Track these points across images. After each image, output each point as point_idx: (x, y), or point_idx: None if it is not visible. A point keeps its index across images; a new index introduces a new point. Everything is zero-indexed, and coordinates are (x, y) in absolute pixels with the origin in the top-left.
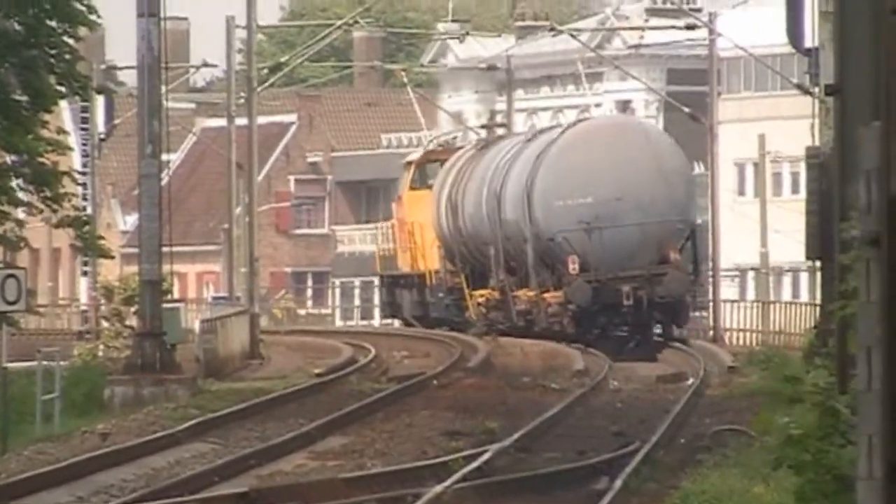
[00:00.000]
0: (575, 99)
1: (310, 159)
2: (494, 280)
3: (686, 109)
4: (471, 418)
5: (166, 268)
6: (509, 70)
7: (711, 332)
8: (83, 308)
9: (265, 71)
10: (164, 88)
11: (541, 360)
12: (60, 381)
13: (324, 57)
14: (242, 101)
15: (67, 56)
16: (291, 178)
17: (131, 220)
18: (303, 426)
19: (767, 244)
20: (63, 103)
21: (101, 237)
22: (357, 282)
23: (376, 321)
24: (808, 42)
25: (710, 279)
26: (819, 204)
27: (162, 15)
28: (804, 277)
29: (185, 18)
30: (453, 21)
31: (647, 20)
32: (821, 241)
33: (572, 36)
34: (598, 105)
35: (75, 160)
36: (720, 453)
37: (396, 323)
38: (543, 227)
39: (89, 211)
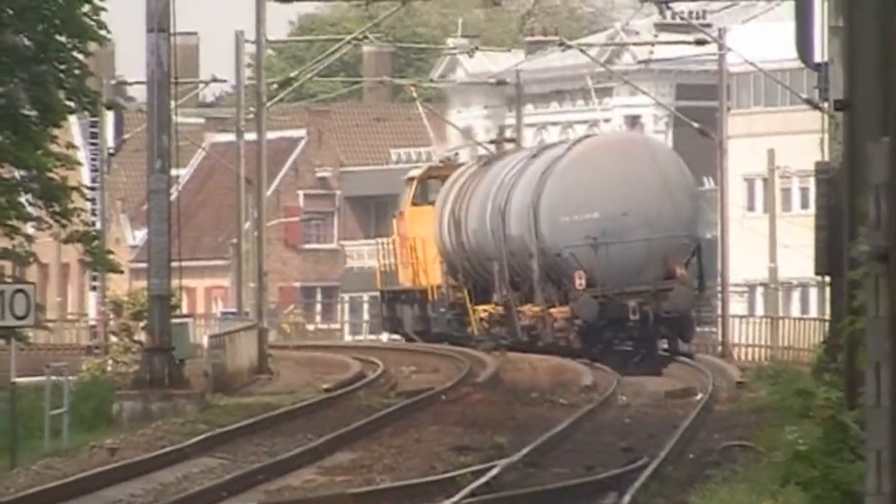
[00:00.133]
0: (584, 114)
1: (319, 174)
2: (498, 295)
3: (695, 124)
4: (479, 433)
5: (175, 283)
6: (519, 85)
7: (720, 348)
8: (92, 323)
9: (274, 86)
10: (173, 103)
11: (549, 376)
12: (69, 395)
13: (333, 72)
14: (252, 115)
15: (77, 71)
16: (300, 192)
17: (140, 235)
18: (311, 441)
19: (776, 259)
20: (72, 118)
21: (110, 252)
22: (366, 297)
23: (385, 336)
24: (818, 57)
25: (719, 294)
26: (828, 219)
27: (171, 30)
28: (813, 293)
29: (195, 33)
30: (463, 36)
31: (656, 35)
32: (830, 257)
33: (582, 51)
34: (607, 120)
35: (84, 175)
36: (729, 469)
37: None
38: (550, 243)
39: (98, 226)
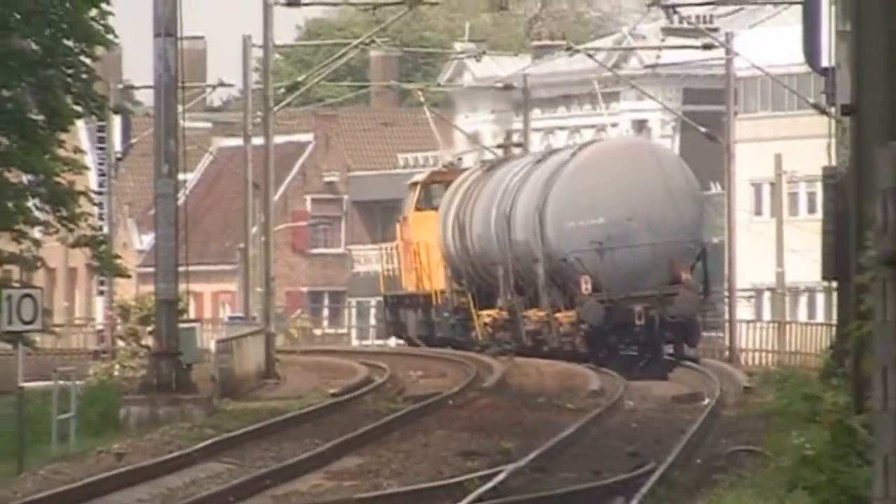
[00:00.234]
0: (591, 118)
1: (326, 179)
2: (502, 300)
3: (702, 129)
4: (486, 438)
5: (182, 287)
6: (526, 89)
7: (727, 352)
8: (99, 327)
9: (282, 90)
10: (180, 108)
11: (556, 380)
12: (76, 400)
13: (340, 76)
14: (259, 120)
15: (84, 75)
16: (308, 197)
17: (147, 240)
18: (318, 446)
19: (784, 264)
20: (80, 123)
21: (118, 256)
22: (373, 301)
23: (392, 341)
24: (825, 61)
25: (726, 299)
26: (835, 224)
27: (179, 34)
28: (820, 298)
29: (202, 38)
30: (470, 40)
31: (663, 40)
32: (837, 262)
33: (589, 55)
34: (614, 125)
35: (92, 180)
36: (736, 474)
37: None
38: (556, 248)
39: (105, 230)
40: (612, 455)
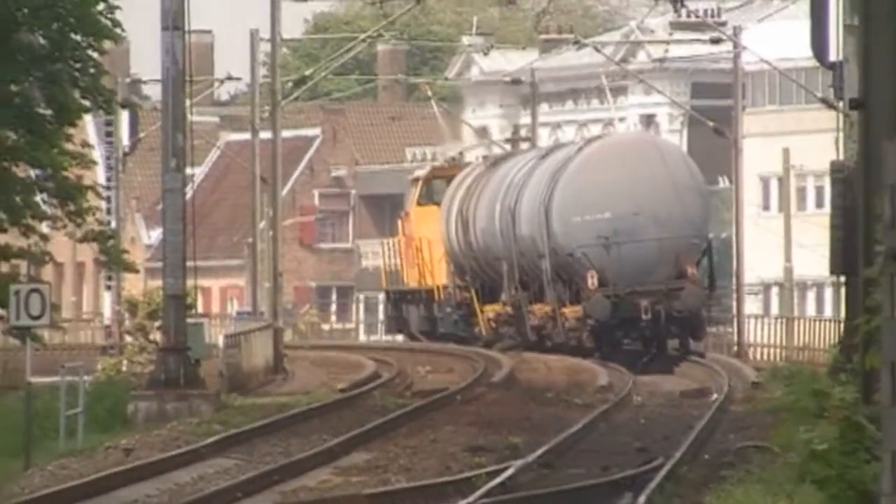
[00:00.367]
0: (599, 113)
1: (334, 173)
2: (507, 295)
3: (710, 123)
4: (494, 434)
5: (190, 282)
6: (534, 84)
7: (735, 348)
8: (107, 323)
9: (289, 84)
10: (188, 102)
11: (565, 376)
12: (84, 396)
13: (348, 70)
14: (267, 114)
15: (92, 70)
16: (315, 191)
17: (155, 235)
18: (326, 441)
19: (792, 259)
20: (87, 117)
21: (125, 251)
22: (381, 296)
23: (400, 336)
24: (833, 56)
25: (734, 294)
26: (843, 218)
27: (186, 28)
28: (829, 293)
29: (210, 32)
30: (478, 34)
31: (671, 34)
32: (845, 256)
33: (597, 49)
34: (622, 119)
35: (99, 174)
36: (744, 469)
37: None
38: (562, 242)
39: (113, 225)
40: (621, 450)
